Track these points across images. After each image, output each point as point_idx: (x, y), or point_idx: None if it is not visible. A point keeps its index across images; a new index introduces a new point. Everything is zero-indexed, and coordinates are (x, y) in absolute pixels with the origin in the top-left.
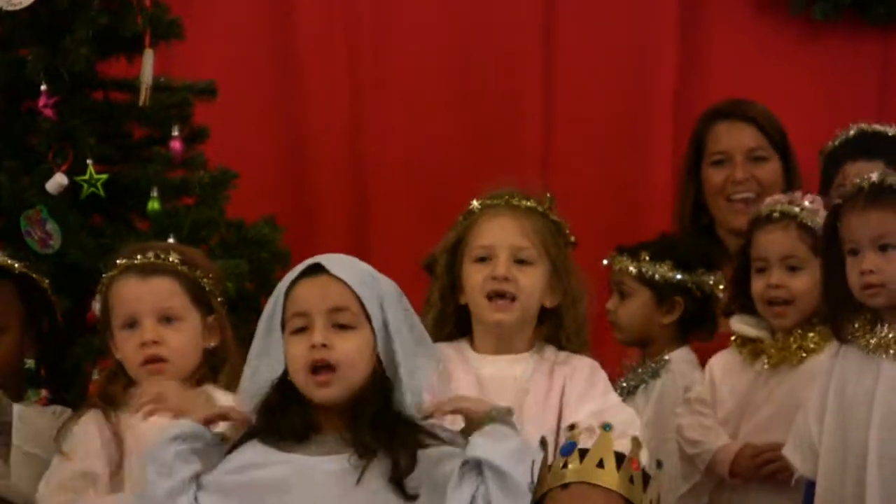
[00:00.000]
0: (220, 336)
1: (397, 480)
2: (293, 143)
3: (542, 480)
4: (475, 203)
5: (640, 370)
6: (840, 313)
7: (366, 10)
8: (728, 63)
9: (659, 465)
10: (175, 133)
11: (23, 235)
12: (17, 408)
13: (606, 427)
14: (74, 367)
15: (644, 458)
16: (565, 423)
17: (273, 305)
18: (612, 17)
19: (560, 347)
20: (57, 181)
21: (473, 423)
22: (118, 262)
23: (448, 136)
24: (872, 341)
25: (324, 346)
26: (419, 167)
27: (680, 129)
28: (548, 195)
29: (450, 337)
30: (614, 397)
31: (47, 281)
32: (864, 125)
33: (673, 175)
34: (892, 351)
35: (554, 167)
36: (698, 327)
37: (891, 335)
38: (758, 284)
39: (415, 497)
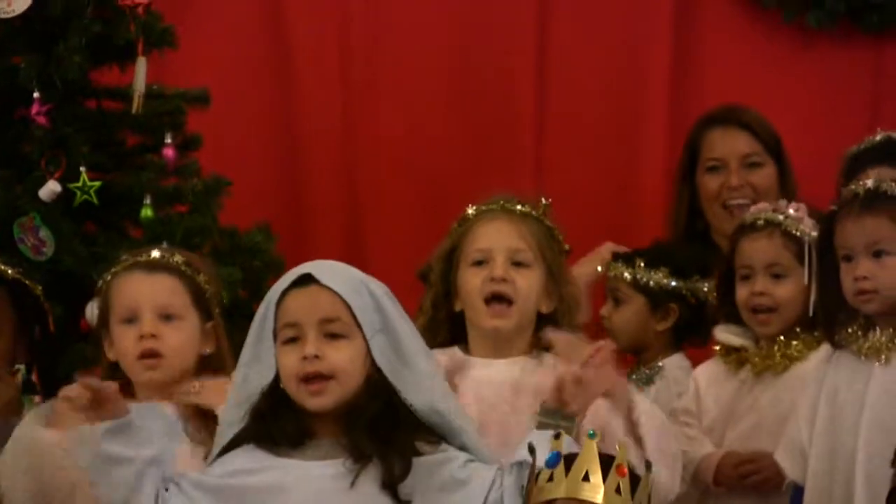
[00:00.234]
0: (216, 344)
1: (390, 486)
2: (286, 150)
3: (529, 493)
4: (470, 210)
5: (633, 376)
6: (834, 319)
7: (358, 19)
8: (721, 69)
9: (648, 466)
10: (168, 141)
11: (16, 243)
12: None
13: (591, 434)
14: (67, 374)
15: (634, 456)
16: None
17: (264, 313)
18: (606, 21)
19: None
20: (50, 188)
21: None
22: (123, 258)
23: (442, 141)
24: (865, 346)
25: (316, 357)
26: (413, 173)
27: (674, 133)
28: (543, 201)
29: (442, 345)
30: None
31: (40, 288)
32: (892, 133)
33: (666, 179)
34: (883, 356)
35: (548, 170)
36: (693, 334)
37: (883, 340)
38: (742, 292)
39: (407, 503)
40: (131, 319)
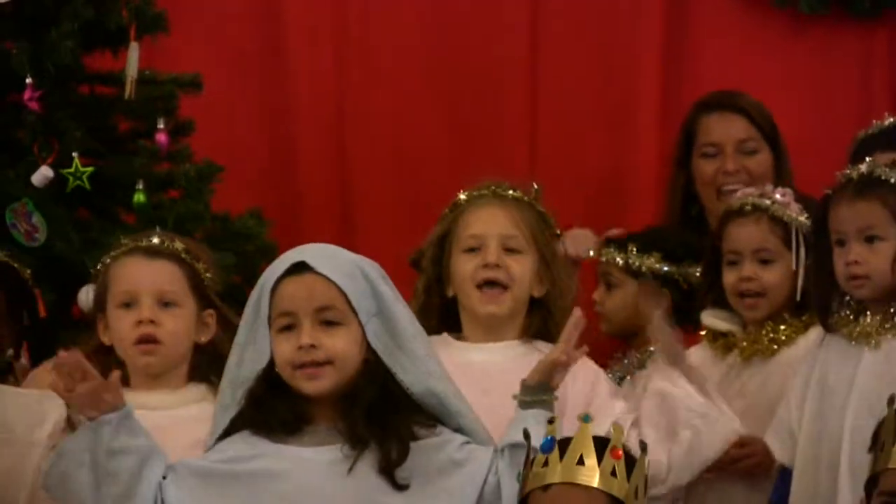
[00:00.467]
0: (214, 333)
1: (388, 471)
2: (279, 136)
3: (525, 478)
4: (462, 195)
5: (626, 361)
6: (828, 302)
7: (351, 4)
8: (714, 54)
9: (643, 447)
10: (160, 126)
11: (8, 228)
12: None
13: (585, 419)
14: None
15: (631, 438)
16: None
17: (258, 298)
18: (598, 8)
19: (551, 340)
20: (42, 174)
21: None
22: (123, 243)
23: (434, 127)
24: (856, 331)
25: (312, 346)
26: (405, 160)
27: (666, 119)
28: (534, 186)
29: (433, 331)
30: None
31: (29, 271)
32: None
33: (658, 165)
34: (874, 341)
35: (540, 156)
36: (685, 319)
37: (874, 325)
38: (730, 277)
39: (405, 487)
40: (129, 304)
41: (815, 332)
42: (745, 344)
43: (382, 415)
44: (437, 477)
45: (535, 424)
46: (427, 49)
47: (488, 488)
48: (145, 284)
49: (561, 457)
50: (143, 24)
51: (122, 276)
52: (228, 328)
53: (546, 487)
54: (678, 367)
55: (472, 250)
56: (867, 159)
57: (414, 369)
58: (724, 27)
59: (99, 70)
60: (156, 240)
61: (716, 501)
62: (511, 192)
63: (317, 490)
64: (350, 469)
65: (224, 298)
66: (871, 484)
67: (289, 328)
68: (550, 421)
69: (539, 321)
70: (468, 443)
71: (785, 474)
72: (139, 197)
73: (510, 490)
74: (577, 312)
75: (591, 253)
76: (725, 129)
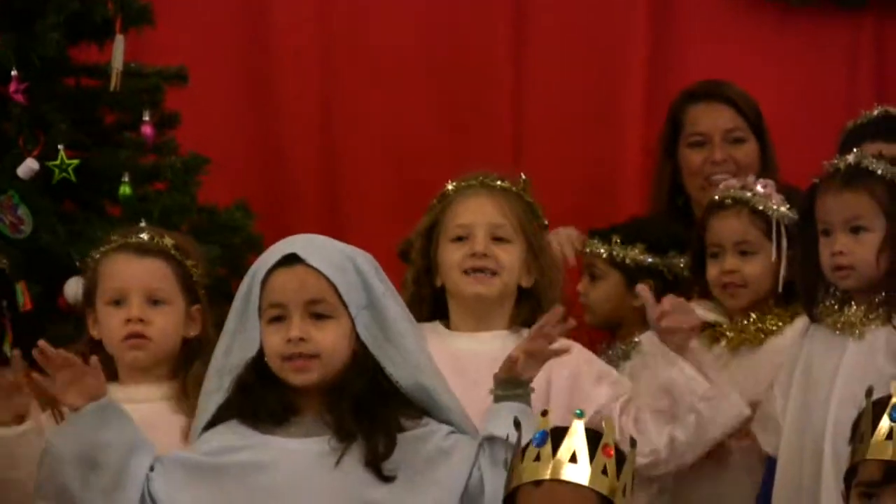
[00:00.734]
0: (201, 327)
1: (375, 465)
2: (265, 128)
3: (515, 469)
4: (449, 185)
5: (610, 352)
6: (814, 292)
7: None
8: (701, 45)
9: (633, 443)
10: (146, 118)
11: None
12: None
13: (578, 413)
14: None
15: (620, 424)
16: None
17: (248, 289)
18: (584, 1)
19: None
20: (28, 166)
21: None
22: (112, 238)
23: (420, 119)
24: (841, 321)
25: (301, 339)
26: (392, 150)
27: (652, 110)
28: (522, 177)
29: (424, 320)
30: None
31: (6, 260)
32: (890, 108)
33: (644, 156)
34: (858, 331)
35: (526, 147)
36: None
37: (859, 315)
38: (713, 270)
39: (392, 479)
40: (119, 301)
41: (802, 322)
42: (732, 334)
43: (370, 408)
44: (425, 468)
45: (508, 417)
46: (413, 40)
47: (473, 481)
48: (135, 282)
49: (553, 452)
50: (128, 16)
51: (112, 273)
52: (209, 325)
53: (538, 483)
54: (682, 351)
55: (459, 239)
56: (854, 150)
57: (403, 363)
58: (711, 18)
59: (85, 62)
60: (145, 236)
61: (705, 497)
62: (499, 182)
63: (303, 482)
64: (337, 462)
65: (210, 291)
66: (851, 475)
67: (278, 319)
68: (543, 413)
69: (527, 311)
70: (454, 432)
71: (771, 464)
72: (125, 189)
73: (492, 485)
74: (557, 308)
75: (572, 261)
76: (713, 118)
